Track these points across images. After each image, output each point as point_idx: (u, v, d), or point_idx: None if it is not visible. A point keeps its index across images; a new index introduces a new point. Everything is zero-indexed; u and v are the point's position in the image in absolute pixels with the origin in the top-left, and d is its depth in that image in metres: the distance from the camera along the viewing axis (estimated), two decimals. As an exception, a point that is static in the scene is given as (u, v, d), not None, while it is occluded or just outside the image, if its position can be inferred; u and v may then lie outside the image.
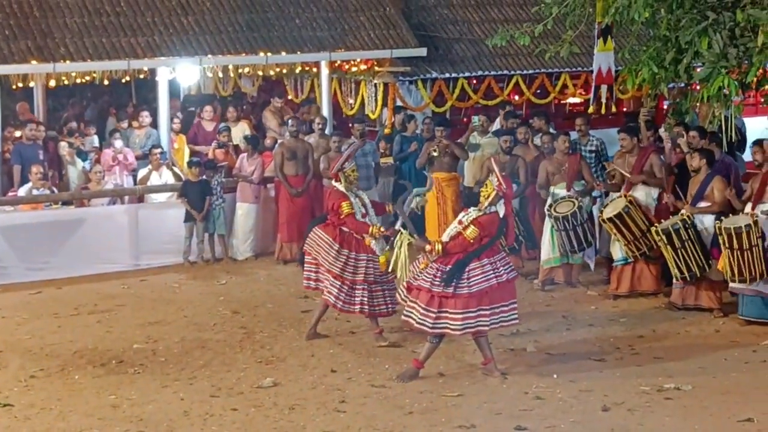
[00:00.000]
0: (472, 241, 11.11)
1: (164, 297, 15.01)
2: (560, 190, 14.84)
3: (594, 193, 15.39)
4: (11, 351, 12.55)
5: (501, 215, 11.27)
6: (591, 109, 15.84)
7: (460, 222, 11.28)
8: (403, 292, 11.63)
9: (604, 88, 15.24)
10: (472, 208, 11.44)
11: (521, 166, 15.55)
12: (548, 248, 14.80)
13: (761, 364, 11.70)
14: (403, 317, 11.44)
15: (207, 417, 10.39)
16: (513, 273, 11.47)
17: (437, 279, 11.10)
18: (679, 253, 13.29)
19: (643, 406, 10.44)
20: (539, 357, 12.07)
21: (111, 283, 15.76)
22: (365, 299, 12.61)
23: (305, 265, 13.00)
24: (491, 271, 11.18)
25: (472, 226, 11.13)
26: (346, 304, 12.64)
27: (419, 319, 11.15)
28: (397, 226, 12.18)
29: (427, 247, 11.25)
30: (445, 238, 11.32)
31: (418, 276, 11.28)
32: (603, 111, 15.75)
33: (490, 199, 11.20)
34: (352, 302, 12.64)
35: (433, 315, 11.09)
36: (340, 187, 12.68)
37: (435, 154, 16.17)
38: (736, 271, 12.81)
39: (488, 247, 11.21)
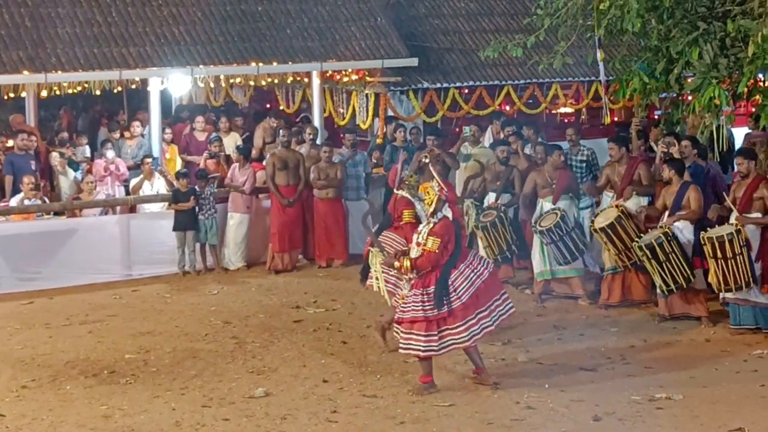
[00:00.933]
0: (437, 251, 10.99)
1: (156, 307, 15.00)
2: (549, 203, 14.83)
3: (586, 202, 15.37)
4: (3, 361, 12.54)
5: (451, 219, 11.22)
6: (607, 120, 15.79)
7: (418, 244, 11.15)
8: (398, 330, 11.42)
9: (605, 98, 15.19)
10: (421, 224, 11.35)
11: (516, 176, 15.58)
12: (539, 261, 14.78)
13: (752, 374, 11.71)
14: (403, 351, 11.25)
15: (198, 427, 10.38)
16: (491, 265, 11.43)
17: (427, 303, 11.01)
18: (665, 267, 13.28)
19: (634, 415, 10.44)
20: (530, 367, 12.07)
21: (102, 293, 15.76)
22: None
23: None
24: (472, 274, 11.14)
25: (430, 238, 11.01)
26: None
27: (424, 347, 11.03)
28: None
29: (396, 264, 11.19)
30: (413, 255, 11.21)
31: (406, 308, 11.12)
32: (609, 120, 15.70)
33: (434, 205, 11.09)
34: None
35: (436, 338, 11.01)
36: (406, 194, 12.84)
37: (426, 160, 16.17)
38: (722, 280, 12.84)
39: (458, 253, 11.14)
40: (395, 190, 13.05)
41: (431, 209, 11.10)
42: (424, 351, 11.04)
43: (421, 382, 11.26)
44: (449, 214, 11.21)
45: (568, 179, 14.84)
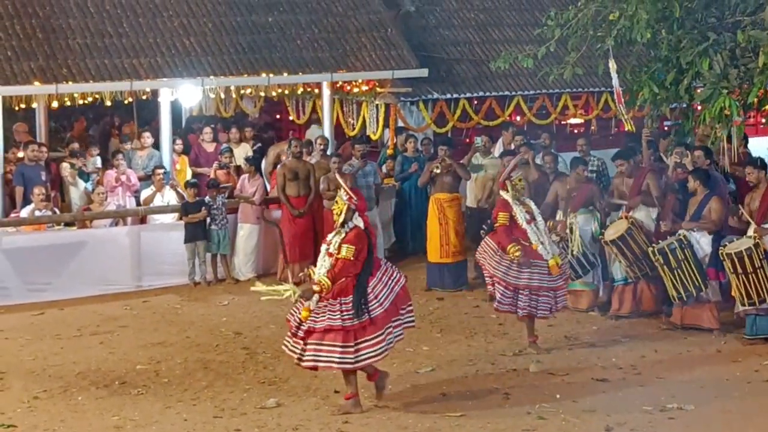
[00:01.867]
0: (352, 258, 10.69)
1: (166, 318, 15.02)
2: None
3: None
4: (14, 372, 12.56)
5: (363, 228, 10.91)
6: (628, 127, 15.70)
7: (329, 254, 10.83)
8: (289, 343, 10.86)
9: (620, 107, 15.09)
10: (329, 235, 11.05)
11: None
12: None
13: (763, 384, 11.70)
14: (308, 364, 10.74)
15: (210, 438, 10.41)
16: (403, 276, 11.14)
17: (345, 313, 10.62)
18: (676, 274, 13.31)
19: (646, 425, 10.43)
20: (542, 377, 12.07)
21: (113, 304, 15.78)
22: (529, 303, 12.75)
23: (484, 272, 13.29)
24: (390, 280, 10.89)
25: (344, 246, 10.71)
26: (505, 305, 12.87)
27: (339, 358, 10.64)
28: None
29: (316, 288, 10.62)
30: (322, 272, 10.73)
31: (317, 318, 10.67)
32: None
33: (343, 215, 10.85)
34: (515, 305, 12.81)
35: (352, 349, 10.64)
36: (507, 196, 12.82)
37: (437, 171, 16.19)
38: (744, 294, 12.83)
39: (372, 261, 10.87)
40: (501, 191, 13.07)
41: (341, 219, 10.86)
42: (338, 363, 10.69)
43: (346, 399, 10.98)
44: (360, 223, 11.02)
45: (588, 193, 14.78)
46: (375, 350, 10.68)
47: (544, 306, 12.85)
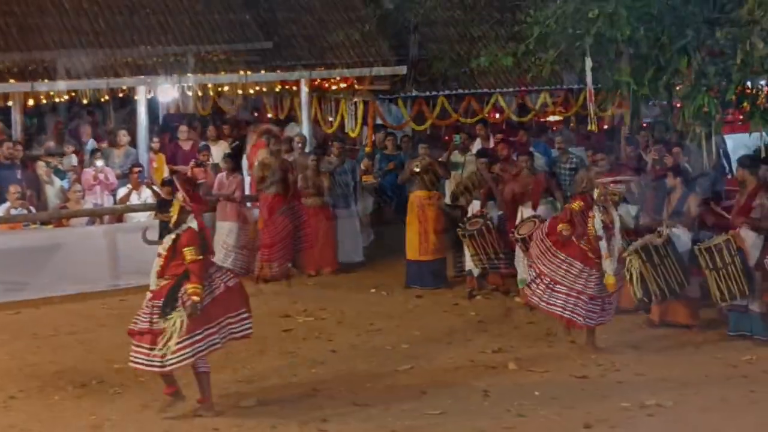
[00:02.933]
0: (200, 257, 10.57)
1: (144, 317, 14.92)
2: (528, 210, 14.80)
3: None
4: (-9, 372, 12.50)
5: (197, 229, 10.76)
6: (591, 127, 15.65)
7: (159, 254, 10.82)
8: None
9: (591, 105, 15.11)
10: (167, 237, 10.91)
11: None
12: (523, 268, 14.72)
13: (742, 380, 11.70)
14: (131, 364, 10.82)
15: (188, 437, 10.35)
16: (233, 281, 10.93)
17: (155, 315, 10.58)
18: (658, 270, 13.30)
19: (626, 422, 10.41)
20: (521, 374, 12.04)
21: (90, 303, 15.70)
22: (565, 304, 12.60)
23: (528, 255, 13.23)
24: (206, 286, 10.64)
25: (185, 250, 10.56)
26: (545, 302, 12.71)
27: (147, 360, 10.62)
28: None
29: (195, 298, 10.46)
30: (154, 285, 10.82)
31: (137, 319, 10.72)
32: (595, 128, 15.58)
33: (176, 216, 10.73)
34: (551, 302, 12.67)
35: (160, 353, 10.55)
36: (596, 196, 12.59)
37: (417, 170, 16.15)
38: (717, 290, 12.85)
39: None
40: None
41: (174, 220, 10.75)
42: (147, 365, 10.67)
43: (165, 393, 10.92)
44: (194, 224, 10.77)
45: (543, 184, 14.79)
46: (184, 353, 10.52)
47: (579, 312, 12.63)
